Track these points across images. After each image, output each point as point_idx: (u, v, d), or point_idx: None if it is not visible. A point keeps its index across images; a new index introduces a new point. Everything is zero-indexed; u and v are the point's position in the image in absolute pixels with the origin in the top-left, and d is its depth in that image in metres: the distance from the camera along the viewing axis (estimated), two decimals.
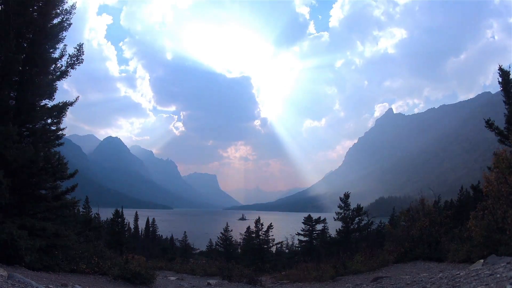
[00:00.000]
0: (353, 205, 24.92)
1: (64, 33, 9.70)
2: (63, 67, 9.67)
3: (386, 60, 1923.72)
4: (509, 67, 12.40)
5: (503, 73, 12.30)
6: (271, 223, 29.30)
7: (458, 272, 5.36)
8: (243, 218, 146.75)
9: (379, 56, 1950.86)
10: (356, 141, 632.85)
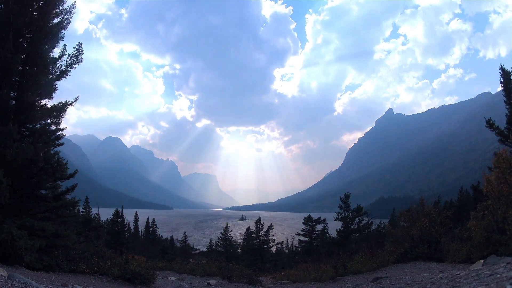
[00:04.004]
0: (353, 206, 24.98)
1: (64, 33, 9.71)
2: (63, 67, 9.67)
3: None
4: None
5: (504, 72, 12.27)
6: (271, 224, 29.36)
7: (458, 272, 5.35)
8: (243, 218, 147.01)
9: None
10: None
